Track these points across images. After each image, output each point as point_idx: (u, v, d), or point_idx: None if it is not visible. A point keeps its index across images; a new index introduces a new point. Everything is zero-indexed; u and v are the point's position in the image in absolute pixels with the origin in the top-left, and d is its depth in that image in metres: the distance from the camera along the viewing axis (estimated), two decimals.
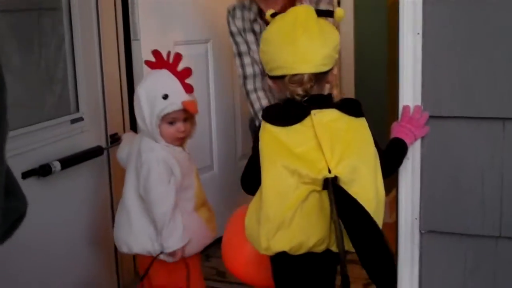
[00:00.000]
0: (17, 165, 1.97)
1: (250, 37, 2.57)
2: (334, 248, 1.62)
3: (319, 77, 1.64)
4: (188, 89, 2.06)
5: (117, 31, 2.54)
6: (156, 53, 2.07)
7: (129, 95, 2.62)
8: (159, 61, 2.07)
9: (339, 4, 3.36)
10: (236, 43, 2.60)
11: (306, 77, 1.61)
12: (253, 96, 2.57)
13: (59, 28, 2.26)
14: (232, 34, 2.61)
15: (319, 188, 1.58)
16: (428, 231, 1.77)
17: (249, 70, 2.58)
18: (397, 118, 1.75)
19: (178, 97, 2.04)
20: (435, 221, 1.76)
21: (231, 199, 3.06)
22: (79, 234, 2.31)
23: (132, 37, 2.56)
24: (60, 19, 2.26)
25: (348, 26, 3.31)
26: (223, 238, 1.96)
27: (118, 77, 2.56)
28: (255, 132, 2.35)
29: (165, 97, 2.02)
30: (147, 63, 2.10)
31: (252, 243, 1.70)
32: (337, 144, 1.59)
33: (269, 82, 1.72)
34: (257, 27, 2.56)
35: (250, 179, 1.73)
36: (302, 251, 1.62)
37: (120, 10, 2.54)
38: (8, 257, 1.81)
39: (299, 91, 1.62)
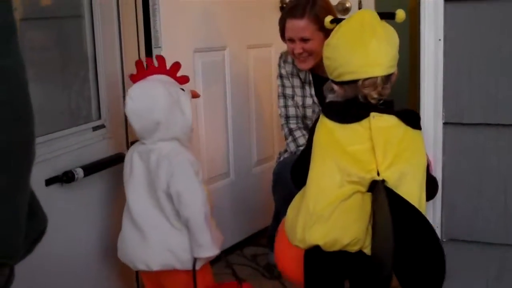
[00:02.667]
0: (40, 172, 1.99)
1: (297, 82, 2.80)
2: (367, 251, 1.62)
3: (387, 79, 1.66)
4: (185, 80, 2.09)
5: (138, 38, 2.55)
6: (149, 60, 2.10)
7: None
8: (144, 70, 2.07)
9: (359, 9, 3.36)
10: (283, 85, 2.83)
11: (379, 80, 1.63)
12: (297, 133, 2.77)
13: (81, 36, 2.29)
14: (281, 76, 2.83)
15: (364, 189, 1.59)
16: (450, 240, 1.76)
17: (292, 112, 2.81)
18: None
19: (188, 93, 2.08)
20: (457, 229, 1.75)
21: (247, 205, 3.07)
22: (99, 240, 2.32)
23: (153, 44, 2.57)
24: (83, 27, 2.28)
25: None
26: (276, 238, 1.95)
27: None
28: (276, 175, 2.63)
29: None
30: (135, 77, 2.08)
31: (288, 235, 1.73)
32: (390, 150, 1.60)
33: (335, 87, 1.71)
34: (302, 74, 2.77)
35: (301, 171, 1.73)
36: (335, 248, 1.63)
37: (142, 17, 2.56)
38: (28, 263, 1.82)
39: (374, 94, 1.63)
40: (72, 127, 2.19)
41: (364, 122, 1.62)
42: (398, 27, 1.68)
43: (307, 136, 2.72)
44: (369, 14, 1.68)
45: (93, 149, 2.25)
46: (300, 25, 2.58)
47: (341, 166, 1.60)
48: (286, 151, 2.84)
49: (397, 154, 1.60)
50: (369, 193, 1.59)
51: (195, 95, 2.15)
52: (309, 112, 2.78)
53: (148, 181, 2.05)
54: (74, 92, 2.28)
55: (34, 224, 0.79)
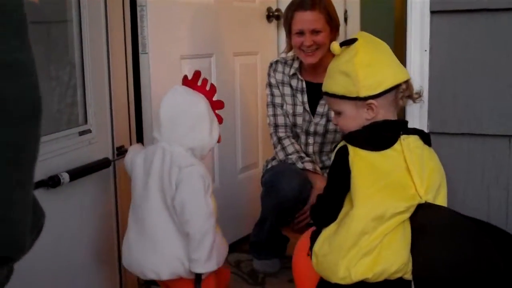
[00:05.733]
0: None
1: (287, 91, 2.82)
2: (407, 276, 1.60)
3: None
4: (220, 105, 2.13)
5: (126, 44, 2.55)
6: (197, 74, 2.11)
7: (135, 107, 2.63)
8: (197, 85, 2.10)
9: (345, 21, 3.39)
10: (272, 94, 2.85)
11: (410, 81, 1.68)
12: (286, 142, 2.79)
13: (68, 40, 2.29)
14: (270, 85, 2.86)
15: (408, 216, 1.59)
16: None
17: (281, 120, 2.83)
18: None
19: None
20: None
21: (231, 212, 3.07)
22: (84, 245, 2.31)
23: (140, 50, 2.58)
24: (70, 32, 2.28)
25: None
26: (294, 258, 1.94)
27: (125, 90, 2.58)
28: (267, 184, 2.68)
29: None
30: (188, 82, 2.11)
31: (320, 272, 1.68)
32: (424, 171, 1.61)
33: (374, 103, 1.66)
34: (294, 82, 2.80)
35: (329, 212, 1.70)
36: (382, 278, 1.59)
37: (129, 23, 2.56)
38: (16, 266, 1.81)
39: (414, 95, 1.69)
40: (58, 131, 2.18)
41: (396, 146, 1.62)
42: (383, 38, 1.70)
43: (296, 145, 2.76)
44: (370, 35, 1.73)
45: (79, 154, 2.25)
46: (311, 17, 2.61)
47: (386, 200, 1.58)
48: (273, 159, 2.86)
49: (429, 175, 1.62)
50: (408, 219, 1.59)
51: (220, 121, 2.15)
52: (299, 120, 2.79)
53: (160, 188, 2.03)
54: (60, 96, 2.28)
55: (35, 219, 0.80)
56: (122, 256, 2.17)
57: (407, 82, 1.67)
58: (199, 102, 2.05)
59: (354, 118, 1.68)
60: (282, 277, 2.83)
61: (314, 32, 2.62)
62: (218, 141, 2.14)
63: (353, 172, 1.61)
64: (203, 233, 1.98)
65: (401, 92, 1.66)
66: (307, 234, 1.86)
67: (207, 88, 2.11)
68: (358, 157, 1.61)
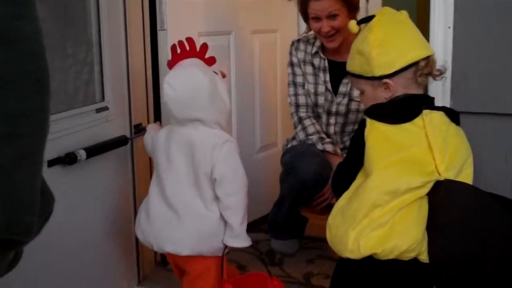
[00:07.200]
0: None
1: (309, 69, 2.78)
2: (423, 257, 1.56)
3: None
4: (212, 61, 2.07)
5: (144, 20, 2.53)
6: (182, 43, 2.04)
7: (153, 85, 2.61)
8: (178, 54, 2.03)
9: (367, 0, 3.33)
10: (294, 74, 2.81)
11: (431, 58, 1.63)
12: (307, 122, 2.76)
13: (85, 17, 2.27)
14: (292, 64, 2.82)
15: (425, 192, 1.54)
16: None
17: (302, 100, 2.79)
18: None
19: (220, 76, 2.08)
20: None
21: (249, 192, 3.04)
22: (101, 222, 2.31)
23: (158, 27, 2.55)
24: (87, 8, 2.26)
25: None
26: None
27: (143, 67, 2.56)
28: (287, 165, 2.67)
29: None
30: (177, 57, 2.04)
31: (334, 245, 1.65)
32: (447, 148, 1.57)
33: (390, 82, 1.63)
34: (316, 61, 2.75)
35: (345, 180, 1.69)
36: (392, 255, 1.55)
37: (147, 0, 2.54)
38: (31, 245, 1.81)
39: (434, 71, 1.64)
40: (75, 108, 2.17)
41: (417, 120, 1.58)
42: None
43: (317, 126, 2.72)
44: (391, 10, 1.68)
45: (96, 131, 2.24)
46: (326, 4, 2.55)
47: (401, 174, 1.55)
48: (294, 138, 2.83)
49: (453, 152, 1.57)
50: (426, 196, 1.55)
51: (223, 75, 2.12)
52: (321, 100, 2.76)
53: (189, 164, 2.01)
54: (77, 73, 2.26)
55: (44, 203, 0.78)
56: (136, 225, 2.14)
57: (427, 58, 1.62)
58: (199, 81, 1.98)
59: (374, 98, 1.67)
60: (299, 258, 2.81)
61: (331, 16, 2.57)
62: (223, 76, 2.11)
63: (368, 143, 1.60)
64: (245, 207, 2.00)
65: (420, 70, 1.61)
66: None
67: (198, 49, 2.06)
68: (374, 129, 1.60)
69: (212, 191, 2.00)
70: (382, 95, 1.65)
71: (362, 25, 1.67)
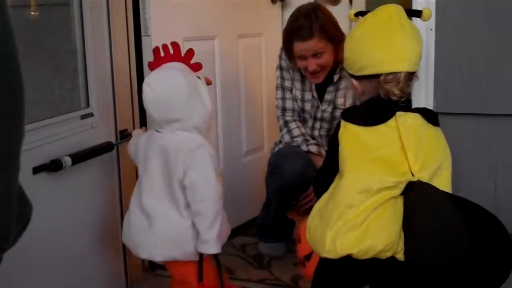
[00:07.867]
0: (28, 160, 1.97)
1: (297, 76, 2.79)
2: (400, 256, 1.56)
3: (411, 76, 1.60)
4: (198, 67, 2.05)
5: (128, 26, 2.53)
6: (165, 46, 2.03)
7: (138, 91, 2.61)
8: (161, 57, 2.03)
9: (351, 2, 3.35)
10: (282, 77, 2.83)
11: (402, 75, 1.56)
12: (292, 125, 2.78)
13: (69, 24, 2.26)
14: (281, 68, 2.83)
15: (398, 193, 1.55)
16: None
17: (289, 104, 2.81)
18: None
19: (204, 81, 2.05)
20: None
21: (236, 195, 3.05)
22: (87, 229, 2.31)
23: (142, 32, 2.55)
24: (71, 14, 2.26)
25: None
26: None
27: (128, 73, 2.55)
28: (271, 165, 2.68)
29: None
30: (160, 59, 2.04)
31: (313, 245, 1.66)
32: (421, 149, 1.56)
33: (355, 82, 1.65)
34: None
35: (324, 181, 1.70)
36: (368, 255, 1.56)
37: (131, 5, 2.53)
38: (16, 252, 1.80)
39: (396, 90, 1.57)
40: (60, 115, 2.17)
41: (391, 122, 1.57)
42: None
43: (302, 128, 2.74)
44: (397, 8, 1.62)
45: (81, 138, 2.23)
46: (311, 45, 2.56)
47: (373, 173, 1.55)
48: (281, 142, 2.84)
49: (427, 153, 1.57)
50: (401, 196, 1.55)
51: (208, 82, 2.11)
52: (307, 106, 2.78)
53: (163, 170, 2.01)
54: (62, 79, 2.26)
55: (22, 210, 0.77)
56: (122, 232, 2.14)
57: (395, 74, 1.57)
58: (176, 82, 1.96)
59: (352, 88, 1.71)
60: (287, 261, 2.82)
61: (316, 54, 2.58)
62: (208, 83, 2.10)
63: (340, 145, 1.62)
64: (216, 213, 1.98)
65: (386, 82, 1.58)
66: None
67: (183, 54, 2.05)
68: (347, 132, 1.61)
69: (184, 195, 1.99)
70: (354, 90, 1.69)
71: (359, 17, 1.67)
